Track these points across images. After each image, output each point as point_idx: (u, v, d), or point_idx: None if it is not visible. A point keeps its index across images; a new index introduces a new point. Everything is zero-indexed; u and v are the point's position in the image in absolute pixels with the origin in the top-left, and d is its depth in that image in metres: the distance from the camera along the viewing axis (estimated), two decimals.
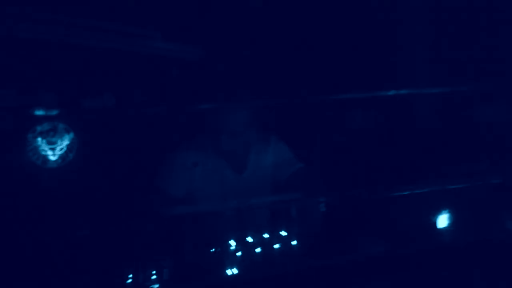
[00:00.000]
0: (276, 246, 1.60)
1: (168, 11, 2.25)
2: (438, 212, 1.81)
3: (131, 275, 1.35)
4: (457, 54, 2.43)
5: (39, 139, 1.84)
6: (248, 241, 1.57)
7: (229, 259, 1.50)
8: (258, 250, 1.57)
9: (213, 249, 1.54)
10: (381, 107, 2.53)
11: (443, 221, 1.81)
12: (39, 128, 1.84)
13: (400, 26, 2.65)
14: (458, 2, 2.45)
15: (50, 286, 1.33)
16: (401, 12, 2.65)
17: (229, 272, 1.48)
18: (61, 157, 1.84)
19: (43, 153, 1.82)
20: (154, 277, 1.36)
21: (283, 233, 1.63)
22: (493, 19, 2.43)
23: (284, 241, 1.61)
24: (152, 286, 1.33)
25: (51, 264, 1.40)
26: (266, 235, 1.61)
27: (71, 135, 1.88)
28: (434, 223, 1.80)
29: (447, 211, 1.81)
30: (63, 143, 1.86)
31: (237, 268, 1.49)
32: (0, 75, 1.89)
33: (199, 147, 1.95)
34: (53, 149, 1.85)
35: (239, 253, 1.53)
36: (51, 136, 1.85)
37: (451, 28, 2.48)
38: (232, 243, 1.54)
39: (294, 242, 1.62)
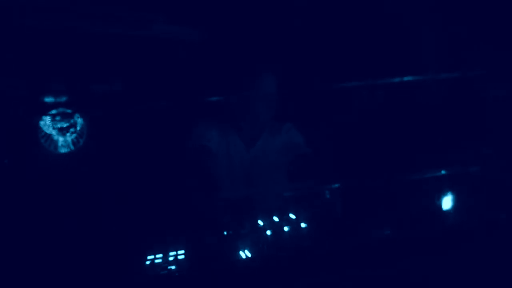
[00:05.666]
0: (286, 229, 1.63)
1: None
2: (444, 195, 1.83)
3: (150, 256, 1.40)
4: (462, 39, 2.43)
5: (50, 125, 1.85)
6: (259, 225, 1.61)
7: (242, 241, 1.54)
8: (268, 232, 1.60)
9: (226, 232, 1.58)
10: (389, 94, 2.55)
11: (448, 203, 1.83)
12: (49, 115, 1.86)
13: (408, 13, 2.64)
14: None
15: (73, 266, 1.37)
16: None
17: (242, 254, 1.52)
18: (72, 142, 1.86)
19: (55, 139, 1.84)
20: (171, 258, 1.41)
21: (292, 216, 1.67)
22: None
23: (294, 224, 1.64)
24: (170, 267, 1.38)
25: (71, 245, 1.43)
26: (276, 219, 1.65)
27: (81, 121, 1.90)
28: (440, 206, 1.82)
29: (453, 194, 1.83)
30: (74, 129, 1.88)
31: (249, 251, 1.52)
32: (9, 64, 1.90)
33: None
34: (64, 135, 1.87)
35: (251, 236, 1.57)
36: (61, 123, 1.87)
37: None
38: (245, 226, 1.58)
39: (303, 225, 1.65)
